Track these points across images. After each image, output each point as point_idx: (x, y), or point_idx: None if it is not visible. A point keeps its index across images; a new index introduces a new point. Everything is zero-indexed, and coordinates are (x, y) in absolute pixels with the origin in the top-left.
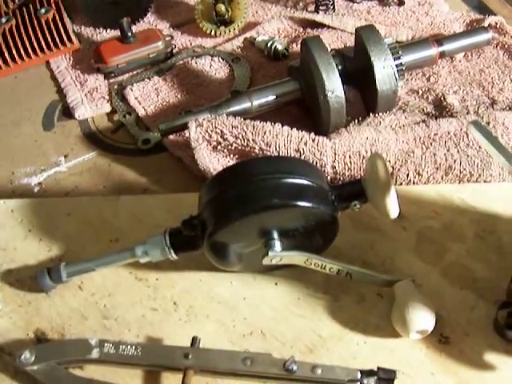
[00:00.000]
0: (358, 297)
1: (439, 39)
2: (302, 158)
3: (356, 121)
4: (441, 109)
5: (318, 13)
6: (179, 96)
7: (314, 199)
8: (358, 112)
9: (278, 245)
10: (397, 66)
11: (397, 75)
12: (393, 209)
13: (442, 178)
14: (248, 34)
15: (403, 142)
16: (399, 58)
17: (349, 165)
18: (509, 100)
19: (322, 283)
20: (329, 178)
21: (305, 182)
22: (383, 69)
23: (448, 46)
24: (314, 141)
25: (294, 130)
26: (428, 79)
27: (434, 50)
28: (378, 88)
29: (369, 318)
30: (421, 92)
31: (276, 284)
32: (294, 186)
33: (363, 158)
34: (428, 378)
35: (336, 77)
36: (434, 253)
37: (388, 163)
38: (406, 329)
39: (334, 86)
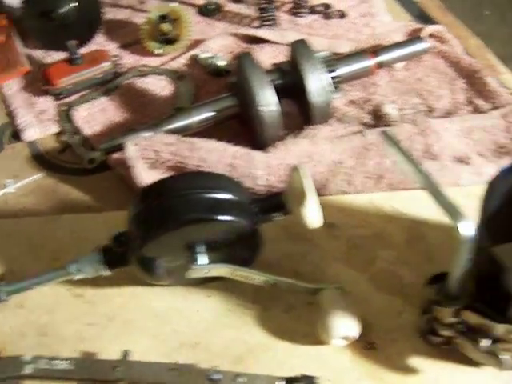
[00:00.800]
0: (286, 306)
1: (376, 50)
2: (236, 172)
3: (293, 133)
4: (378, 118)
5: (262, 28)
6: (125, 115)
7: (233, 213)
8: (297, 125)
9: (201, 258)
10: (332, 78)
11: (330, 87)
12: (311, 219)
13: (374, 187)
14: (193, 52)
15: (338, 152)
16: (334, 70)
17: (282, 177)
18: (446, 108)
19: (252, 294)
20: (263, 190)
21: (225, 196)
22: (315, 81)
23: (384, 57)
24: (246, 155)
25: (229, 145)
26: (367, 89)
27: (370, 62)
28: (312, 100)
29: (297, 327)
30: (359, 102)
31: (209, 296)
32: (214, 200)
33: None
34: (352, 383)
35: (269, 91)
36: (364, 260)
37: (321, 174)
38: (328, 335)
39: (267, 101)
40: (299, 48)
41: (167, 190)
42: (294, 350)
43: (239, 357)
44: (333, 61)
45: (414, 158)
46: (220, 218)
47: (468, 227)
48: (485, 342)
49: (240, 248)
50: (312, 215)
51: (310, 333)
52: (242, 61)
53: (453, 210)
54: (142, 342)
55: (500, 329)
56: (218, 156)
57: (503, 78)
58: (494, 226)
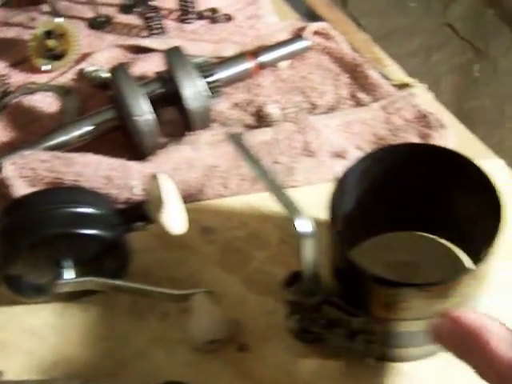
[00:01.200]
0: (162, 314)
1: (256, 52)
2: (112, 183)
3: (176, 141)
4: (260, 119)
5: (152, 37)
6: (12, 134)
7: (93, 226)
8: (181, 132)
9: (68, 272)
10: (210, 82)
11: (207, 92)
12: (172, 226)
13: (250, 189)
14: (80, 66)
15: (216, 156)
16: (212, 75)
17: None
18: (330, 103)
19: (128, 305)
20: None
21: (84, 209)
22: (190, 88)
23: (265, 58)
24: (122, 166)
25: (105, 157)
26: (251, 91)
27: (250, 63)
28: (189, 107)
29: (172, 334)
30: (243, 105)
31: (85, 310)
32: (73, 214)
33: (181, 176)
34: None
35: (143, 101)
36: (238, 262)
37: (196, 179)
38: (198, 340)
39: (141, 111)
40: (173, 56)
41: (26, 206)
42: (169, 358)
43: (115, 369)
44: (210, 65)
45: (257, 157)
46: (80, 231)
47: (306, 224)
48: (346, 334)
49: (108, 260)
50: (172, 222)
51: (184, 339)
52: (115, 73)
53: (292, 208)
54: (17, 361)
55: (356, 322)
56: (93, 169)
57: (387, 70)
58: (343, 223)
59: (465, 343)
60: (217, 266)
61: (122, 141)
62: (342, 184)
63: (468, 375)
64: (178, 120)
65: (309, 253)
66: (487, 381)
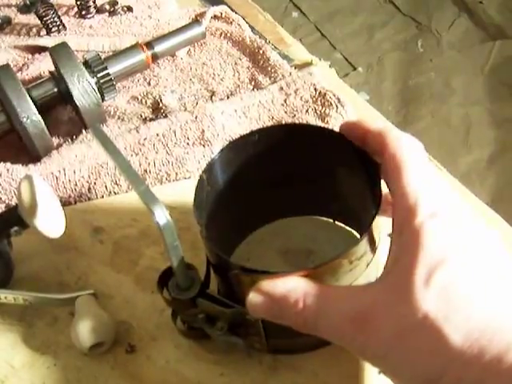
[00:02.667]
0: (51, 319)
1: (149, 42)
2: (0, 189)
3: (70, 140)
4: (157, 111)
5: (50, 36)
6: None
7: None
8: (79, 131)
9: None
10: (102, 77)
11: (97, 88)
12: (46, 230)
13: None
14: None
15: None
16: (104, 69)
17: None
18: (228, 89)
19: (19, 313)
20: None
21: None
22: (78, 85)
23: (159, 47)
24: (8, 171)
25: None
26: (149, 83)
27: (142, 55)
28: (78, 104)
29: (60, 339)
30: (140, 97)
31: None
32: None
33: (69, 176)
34: None
35: (28, 102)
36: (129, 261)
37: (84, 178)
38: (81, 344)
39: (27, 113)
40: (58, 53)
41: None
42: (58, 364)
43: (2, 378)
44: (101, 60)
45: (118, 150)
46: None
47: (162, 215)
48: (226, 328)
49: None
50: (45, 225)
51: (72, 344)
52: None
53: (150, 199)
54: None
55: (231, 313)
56: None
57: (289, 50)
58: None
59: (278, 311)
60: (107, 267)
61: (19, 144)
62: (206, 175)
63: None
64: (75, 119)
65: (171, 245)
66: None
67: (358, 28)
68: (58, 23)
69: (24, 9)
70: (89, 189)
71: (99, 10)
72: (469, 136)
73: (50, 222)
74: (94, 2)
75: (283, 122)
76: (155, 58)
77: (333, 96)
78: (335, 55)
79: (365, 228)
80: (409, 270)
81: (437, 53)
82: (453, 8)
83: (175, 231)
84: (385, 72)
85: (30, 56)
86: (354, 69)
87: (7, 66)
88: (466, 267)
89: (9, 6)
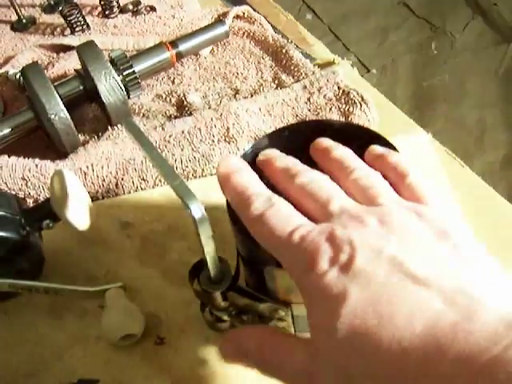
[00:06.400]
0: (80, 312)
1: (174, 41)
2: (30, 184)
3: (96, 137)
4: (182, 109)
5: (74, 35)
6: None
7: None
8: (105, 128)
9: None
10: (127, 75)
11: (124, 85)
12: (75, 222)
13: None
14: (3, 70)
15: (136, 149)
16: (130, 67)
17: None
18: (252, 87)
19: (48, 305)
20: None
21: None
22: (106, 81)
23: (183, 46)
24: (37, 166)
25: (20, 159)
26: (173, 81)
27: (167, 54)
28: (105, 101)
29: (90, 331)
30: (164, 96)
31: (5, 314)
32: None
33: (96, 172)
34: (140, 382)
35: (56, 99)
36: (156, 255)
37: (112, 174)
38: (111, 336)
39: (55, 109)
40: (85, 51)
41: None
42: (87, 356)
43: (34, 370)
44: (127, 58)
45: (151, 145)
46: None
47: (198, 209)
48: (255, 321)
49: (20, 261)
50: (75, 218)
51: (102, 336)
52: (27, 72)
53: (185, 193)
54: None
55: (262, 308)
56: (9, 171)
57: (312, 50)
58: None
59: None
60: (135, 261)
61: (46, 141)
62: None
63: None
64: (100, 116)
65: (204, 238)
66: None
67: (372, 30)
68: (83, 22)
69: (48, 9)
70: (116, 184)
71: (123, 10)
72: (483, 138)
73: (80, 214)
74: (118, 2)
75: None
76: (179, 56)
77: (356, 94)
78: (349, 57)
79: None
80: (314, 321)
81: (451, 55)
82: (467, 10)
83: (210, 225)
84: (398, 74)
85: (54, 55)
86: (368, 71)
87: (36, 63)
88: (365, 298)
89: (33, 6)
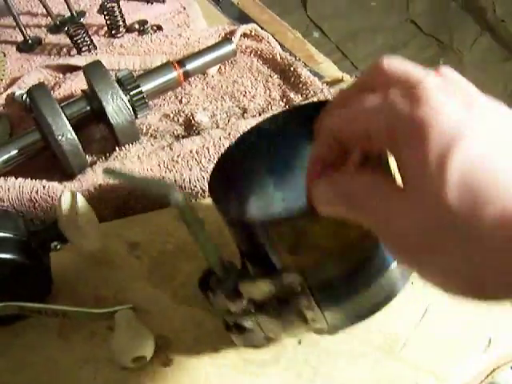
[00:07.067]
0: (89, 333)
1: (181, 60)
2: (38, 206)
3: (104, 157)
4: (190, 128)
5: (80, 55)
6: None
7: (4, 250)
8: (113, 148)
9: None
10: (134, 95)
11: (131, 105)
12: (84, 244)
13: None
14: (10, 91)
15: (148, 169)
16: (137, 87)
17: None
18: (260, 106)
19: (57, 327)
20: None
21: None
22: (112, 103)
23: (190, 65)
24: (44, 188)
25: (28, 180)
26: (180, 101)
27: (175, 73)
28: (112, 121)
29: (99, 353)
30: (172, 115)
31: (16, 336)
32: None
33: (104, 193)
34: None
35: (63, 120)
36: (166, 276)
37: (122, 194)
38: (122, 358)
39: (62, 130)
40: (92, 71)
41: None
42: (96, 378)
43: None
44: (134, 78)
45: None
46: None
47: (177, 196)
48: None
49: (27, 283)
50: (83, 240)
51: (111, 358)
52: (33, 93)
53: (163, 188)
54: None
55: (277, 289)
56: (16, 193)
57: (320, 67)
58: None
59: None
60: (144, 282)
61: (53, 162)
62: (224, 160)
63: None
64: (108, 136)
65: (192, 225)
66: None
67: (380, 47)
68: (89, 42)
69: (54, 29)
70: (124, 205)
71: (129, 30)
72: None
73: (89, 236)
74: (124, 21)
75: None
76: (187, 75)
77: None
78: (357, 75)
79: None
80: (419, 161)
81: (459, 71)
82: (474, 26)
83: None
84: None
85: (61, 75)
86: None
87: (42, 84)
88: (483, 139)
89: (39, 26)
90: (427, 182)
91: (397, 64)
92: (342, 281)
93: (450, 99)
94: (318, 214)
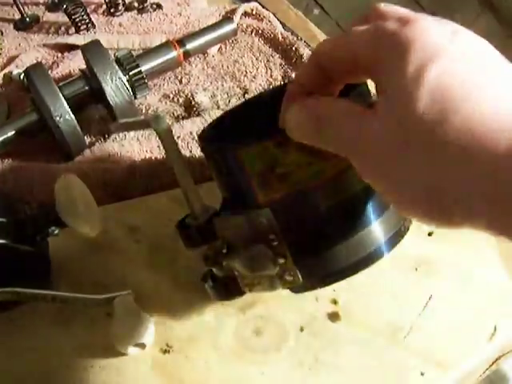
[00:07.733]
0: (87, 320)
1: (181, 39)
2: (37, 188)
3: (102, 139)
4: (190, 109)
5: (79, 33)
6: None
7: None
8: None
9: None
10: (134, 75)
11: (130, 86)
12: (83, 228)
13: (176, 183)
14: (7, 70)
15: (147, 151)
16: (136, 66)
17: None
18: (261, 86)
19: (54, 314)
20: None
21: None
22: (111, 82)
23: (191, 45)
24: (42, 170)
25: (26, 163)
26: (180, 81)
27: (174, 53)
28: (111, 102)
29: (97, 340)
30: (172, 96)
31: (11, 321)
32: None
33: (103, 175)
34: None
35: (61, 101)
36: (166, 261)
37: (120, 177)
38: (121, 344)
39: (60, 111)
40: (90, 51)
41: None
42: (93, 366)
43: (41, 379)
44: (133, 58)
45: None
46: None
47: (160, 120)
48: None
49: (26, 269)
50: (83, 224)
51: (110, 345)
52: (30, 73)
53: (148, 117)
54: None
55: (249, 227)
56: (12, 176)
57: None
58: None
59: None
60: (144, 266)
61: (52, 143)
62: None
63: None
64: (107, 117)
65: (171, 151)
66: None
67: None
68: (87, 21)
69: (52, 7)
70: (123, 188)
71: (128, 8)
72: None
73: (87, 220)
74: (123, 0)
75: None
76: (187, 55)
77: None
78: None
79: None
80: (397, 72)
81: None
82: (475, 5)
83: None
84: None
85: (59, 54)
86: None
87: (39, 64)
88: (463, 59)
89: (37, 4)
90: (401, 91)
91: (394, 7)
92: (317, 226)
93: (438, 26)
94: (289, 140)
